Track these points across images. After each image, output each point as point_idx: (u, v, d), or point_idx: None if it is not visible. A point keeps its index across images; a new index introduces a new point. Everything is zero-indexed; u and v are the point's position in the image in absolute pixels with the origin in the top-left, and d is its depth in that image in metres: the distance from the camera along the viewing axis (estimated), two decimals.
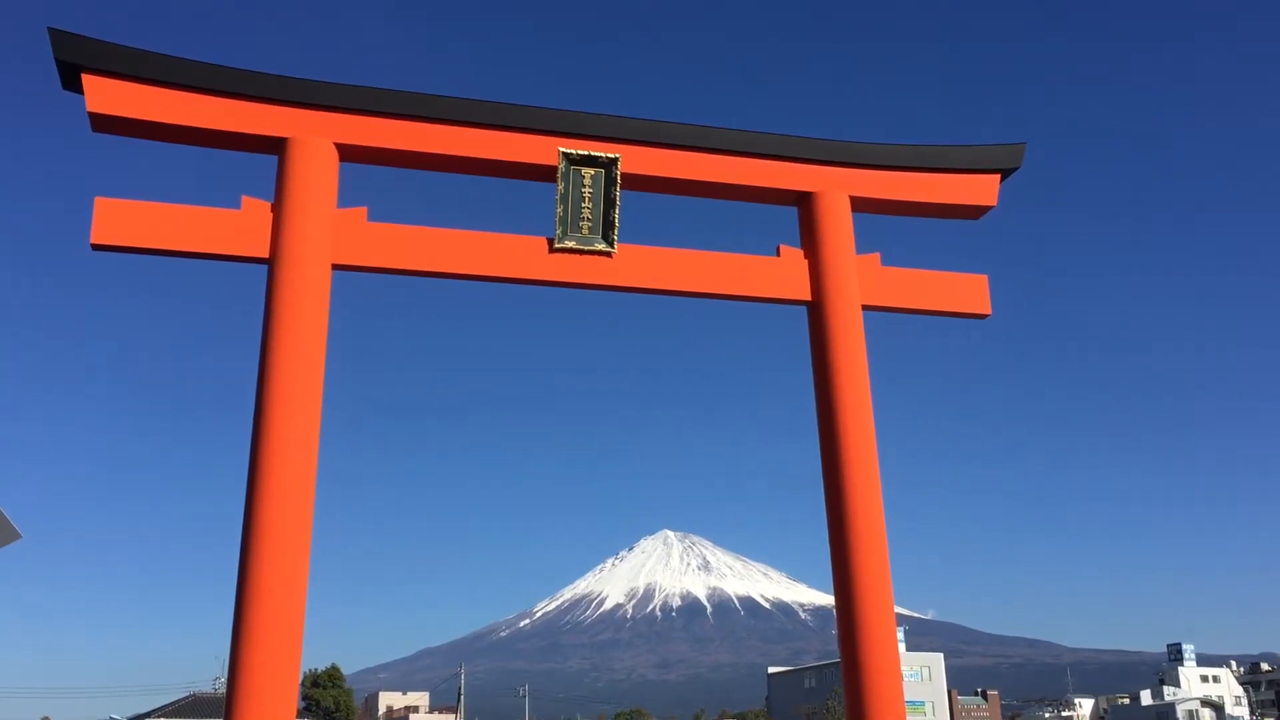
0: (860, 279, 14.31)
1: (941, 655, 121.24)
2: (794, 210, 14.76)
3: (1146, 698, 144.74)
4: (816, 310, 14.18)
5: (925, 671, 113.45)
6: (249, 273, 12.64)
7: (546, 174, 13.56)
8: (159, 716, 75.51)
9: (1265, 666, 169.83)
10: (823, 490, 13.65)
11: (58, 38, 12.25)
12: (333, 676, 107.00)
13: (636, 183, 13.87)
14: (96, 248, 12.35)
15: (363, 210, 13.17)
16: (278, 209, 12.80)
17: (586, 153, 13.47)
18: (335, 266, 12.87)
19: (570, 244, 13.50)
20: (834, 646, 14.38)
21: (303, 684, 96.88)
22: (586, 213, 13.53)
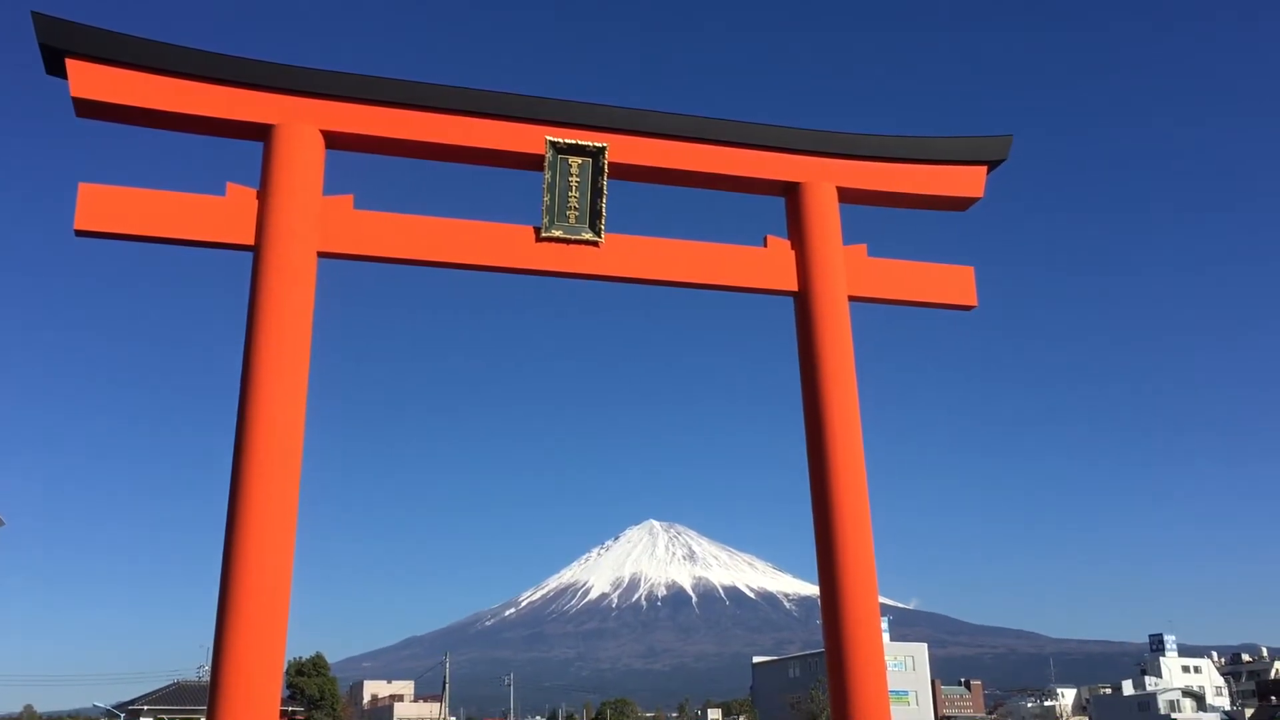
0: (847, 270, 14.32)
1: (925, 645, 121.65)
2: (781, 200, 14.76)
3: (1128, 688, 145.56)
4: (803, 301, 14.20)
5: (909, 661, 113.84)
6: (234, 260, 12.59)
7: (534, 162, 13.52)
8: (143, 704, 75.30)
9: (1246, 657, 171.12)
10: (808, 481, 13.68)
11: (42, 22, 12.14)
12: (317, 665, 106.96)
13: (624, 172, 13.83)
14: (80, 234, 12.26)
15: (349, 198, 13.11)
16: (263, 196, 12.73)
17: (574, 141, 13.43)
18: (321, 254, 12.81)
19: (557, 233, 13.47)
20: (818, 636, 14.43)
21: (287, 672, 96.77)
22: (573, 202, 13.49)
